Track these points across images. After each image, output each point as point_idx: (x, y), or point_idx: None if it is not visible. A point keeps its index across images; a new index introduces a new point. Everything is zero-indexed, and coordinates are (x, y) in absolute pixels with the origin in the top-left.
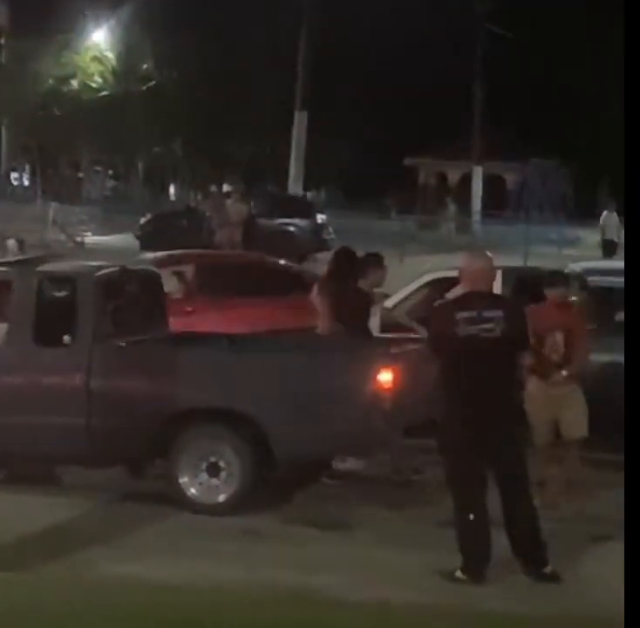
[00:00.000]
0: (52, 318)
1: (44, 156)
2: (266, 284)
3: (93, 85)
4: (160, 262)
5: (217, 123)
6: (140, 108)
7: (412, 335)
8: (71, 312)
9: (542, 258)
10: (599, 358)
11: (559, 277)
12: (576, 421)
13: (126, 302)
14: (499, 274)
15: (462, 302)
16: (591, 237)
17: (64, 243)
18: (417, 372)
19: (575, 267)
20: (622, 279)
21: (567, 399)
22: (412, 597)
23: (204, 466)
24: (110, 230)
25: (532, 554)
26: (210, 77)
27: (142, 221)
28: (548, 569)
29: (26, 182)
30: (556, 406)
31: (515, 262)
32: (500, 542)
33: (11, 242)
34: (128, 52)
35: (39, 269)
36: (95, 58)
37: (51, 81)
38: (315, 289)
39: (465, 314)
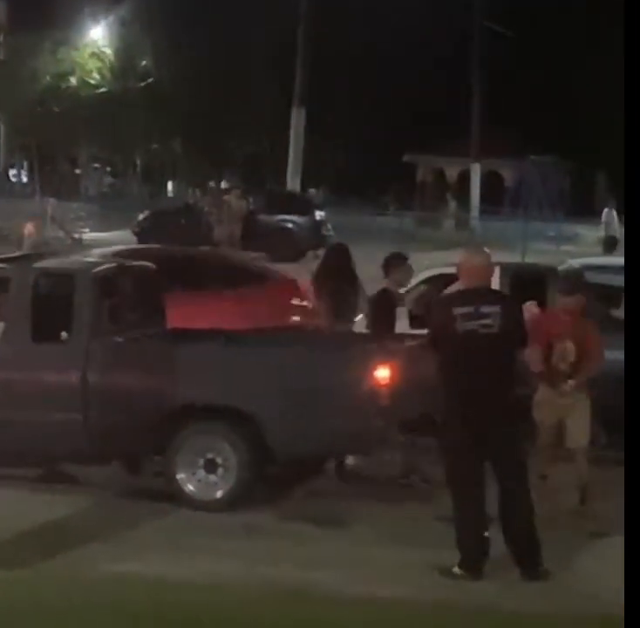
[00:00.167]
0: (49, 315)
1: (43, 153)
2: (214, 279)
3: (92, 81)
4: (116, 257)
5: (216, 120)
6: (139, 105)
7: (412, 331)
8: (68, 309)
9: (540, 254)
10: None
11: (576, 285)
12: (577, 431)
13: (124, 298)
14: (497, 270)
15: (460, 298)
16: (589, 234)
17: (63, 240)
18: (414, 367)
19: (574, 263)
20: (622, 276)
21: (572, 408)
22: (411, 594)
23: (201, 462)
24: (108, 227)
25: (526, 553)
26: (209, 74)
27: (140, 217)
28: (541, 569)
29: (24, 179)
30: (562, 414)
31: (513, 258)
32: (498, 538)
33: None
34: (127, 49)
35: (36, 265)
36: (93, 55)
37: (49, 78)
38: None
39: (463, 310)
